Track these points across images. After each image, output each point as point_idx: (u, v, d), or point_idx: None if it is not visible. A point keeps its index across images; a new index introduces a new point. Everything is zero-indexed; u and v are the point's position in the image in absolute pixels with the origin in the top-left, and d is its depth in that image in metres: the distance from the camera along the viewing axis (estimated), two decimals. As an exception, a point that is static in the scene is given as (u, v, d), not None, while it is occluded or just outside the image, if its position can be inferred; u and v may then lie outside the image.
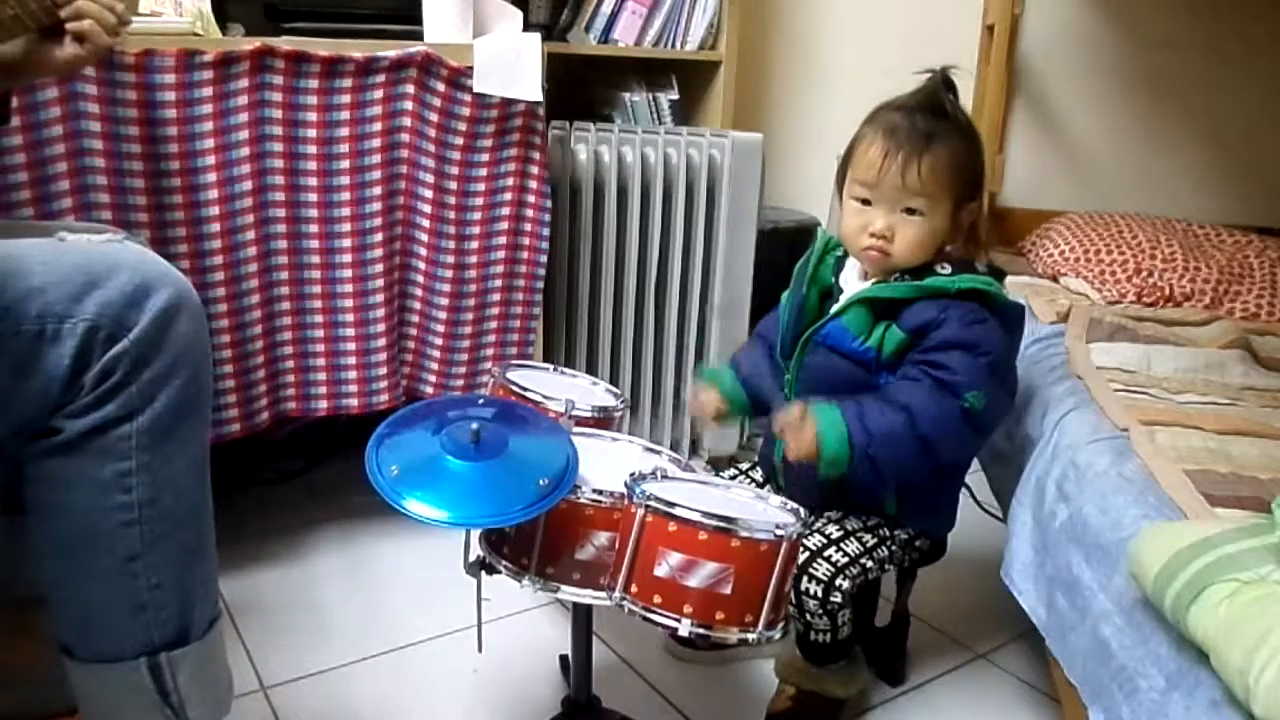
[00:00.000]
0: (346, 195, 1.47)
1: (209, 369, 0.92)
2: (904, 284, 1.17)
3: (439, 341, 1.63)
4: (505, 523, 0.97)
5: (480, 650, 1.16)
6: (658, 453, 1.16)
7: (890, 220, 1.16)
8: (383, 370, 1.56)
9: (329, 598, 1.53)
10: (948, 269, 1.18)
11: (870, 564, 1.21)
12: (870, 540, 1.22)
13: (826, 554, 1.18)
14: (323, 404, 1.55)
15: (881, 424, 1.11)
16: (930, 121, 1.16)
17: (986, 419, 1.16)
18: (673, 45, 1.99)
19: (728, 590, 0.95)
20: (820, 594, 1.16)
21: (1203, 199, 2.37)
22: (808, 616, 1.19)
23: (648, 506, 0.95)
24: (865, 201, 1.18)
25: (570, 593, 1.01)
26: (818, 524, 1.22)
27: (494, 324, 1.67)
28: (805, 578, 1.16)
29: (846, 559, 1.18)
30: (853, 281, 1.24)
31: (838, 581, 1.17)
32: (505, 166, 1.58)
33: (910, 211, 1.16)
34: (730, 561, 0.94)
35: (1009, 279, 1.98)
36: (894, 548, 1.24)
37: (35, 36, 0.92)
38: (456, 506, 0.92)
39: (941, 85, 1.19)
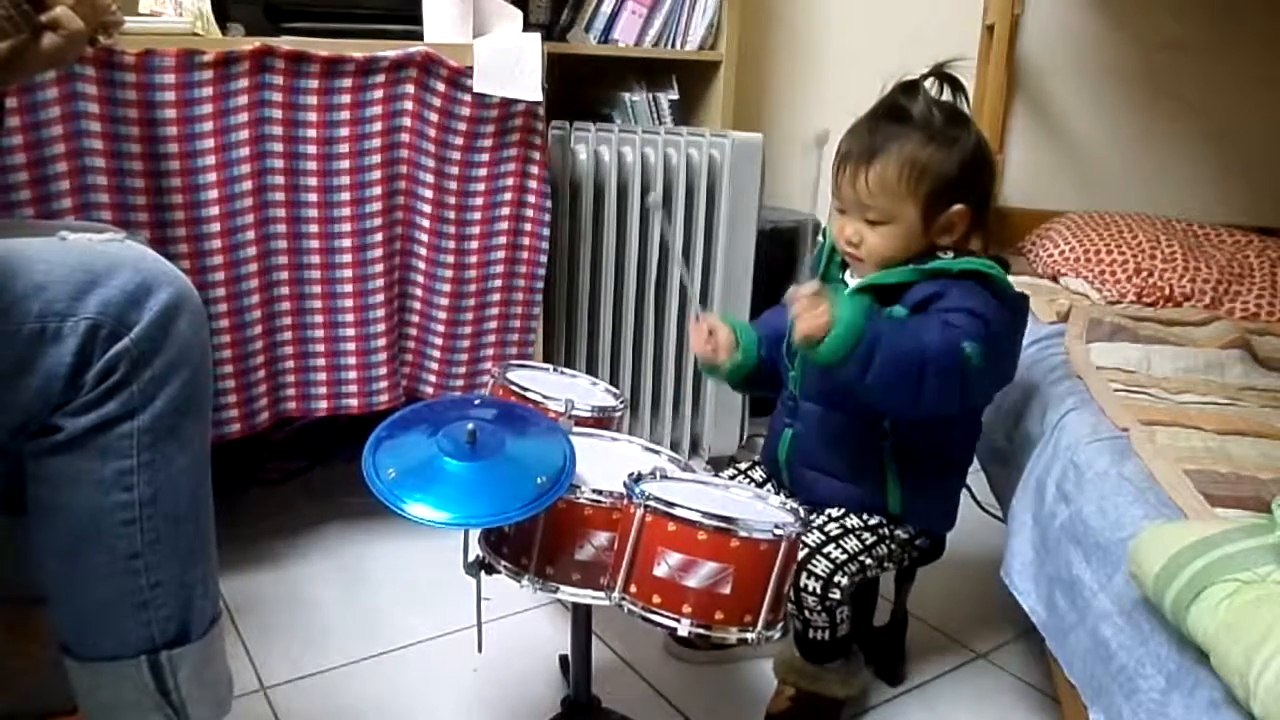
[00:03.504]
0: (346, 195, 1.47)
1: (209, 368, 0.92)
2: (905, 269, 1.17)
3: (439, 341, 1.63)
4: (504, 522, 0.97)
5: (480, 650, 1.16)
6: (657, 453, 1.16)
7: (857, 227, 1.19)
8: (383, 370, 1.56)
9: (329, 598, 1.53)
10: (949, 254, 1.18)
11: (870, 561, 1.21)
12: (870, 538, 1.22)
13: (826, 550, 1.18)
14: (323, 404, 1.56)
15: (893, 332, 1.08)
16: (882, 130, 1.16)
17: (977, 379, 1.12)
18: (673, 45, 1.99)
19: (727, 590, 0.95)
20: (819, 590, 1.16)
21: (1203, 199, 2.37)
22: (806, 613, 1.19)
23: (647, 506, 0.95)
24: (841, 210, 1.21)
25: (570, 593, 1.01)
26: (818, 520, 1.22)
27: (494, 324, 1.67)
28: (804, 574, 1.17)
29: (846, 555, 1.19)
30: (857, 279, 1.24)
31: (836, 578, 1.17)
32: (505, 166, 1.58)
33: (872, 221, 1.17)
34: (729, 561, 0.94)
35: (1009, 279, 1.99)
36: (894, 546, 1.24)
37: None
38: (454, 507, 0.92)
39: (901, 90, 1.19)
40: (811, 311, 1.07)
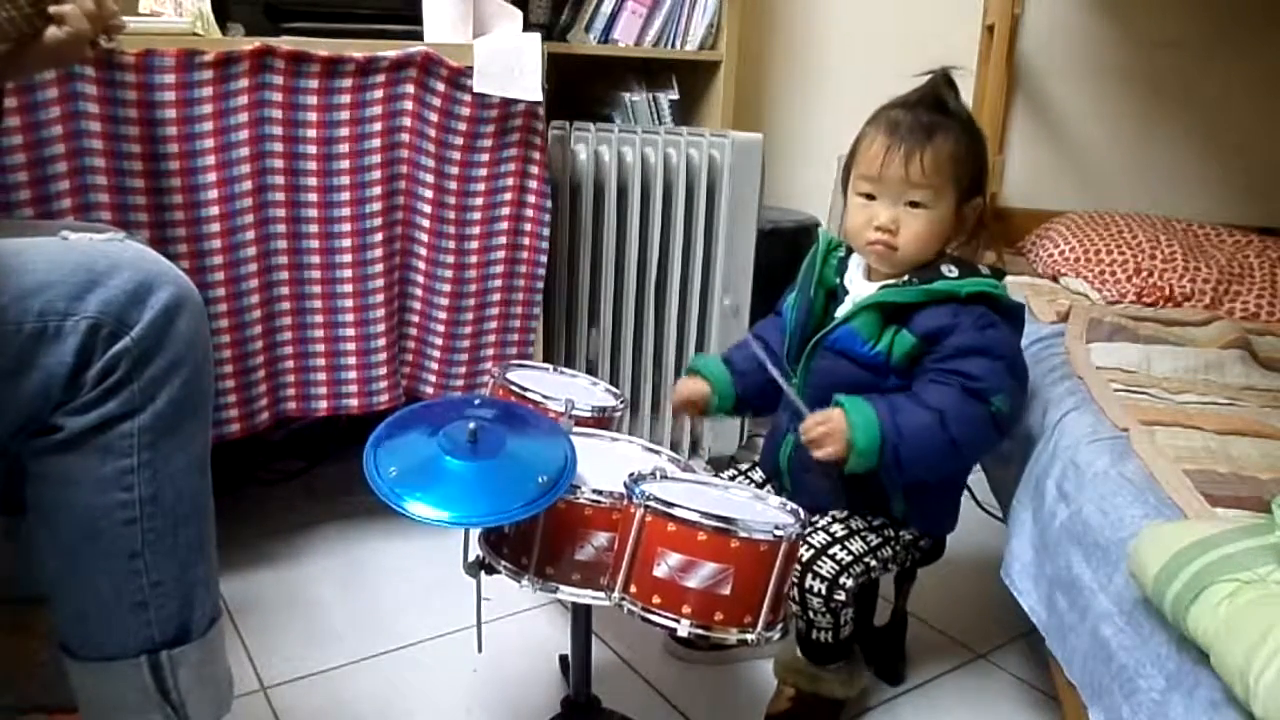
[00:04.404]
0: (346, 195, 1.47)
1: (210, 367, 0.92)
2: (913, 288, 1.17)
3: (439, 341, 1.63)
4: (504, 521, 0.97)
5: (480, 650, 1.16)
6: (657, 453, 1.16)
7: (894, 213, 1.17)
8: (383, 370, 1.56)
9: (329, 598, 1.53)
10: (954, 271, 1.18)
11: (874, 563, 1.21)
12: (875, 539, 1.22)
13: (831, 552, 1.18)
14: (323, 404, 1.56)
15: (913, 423, 1.12)
16: (932, 115, 1.17)
17: (1011, 419, 1.18)
18: (673, 45, 1.99)
19: (727, 591, 0.95)
20: (824, 592, 1.16)
21: (1203, 199, 2.37)
22: (811, 614, 1.19)
23: (647, 506, 0.95)
24: (870, 196, 1.19)
25: (569, 593, 1.01)
26: (822, 522, 1.22)
27: (494, 324, 1.67)
28: (810, 575, 1.16)
29: (851, 557, 1.19)
30: (858, 281, 1.24)
31: (842, 580, 1.17)
32: (505, 166, 1.58)
33: (914, 205, 1.17)
34: (729, 562, 0.94)
35: (1009, 279, 1.99)
36: (898, 547, 1.24)
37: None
38: (455, 506, 0.92)
39: (943, 83, 1.20)
40: (827, 432, 1.13)
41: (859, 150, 1.21)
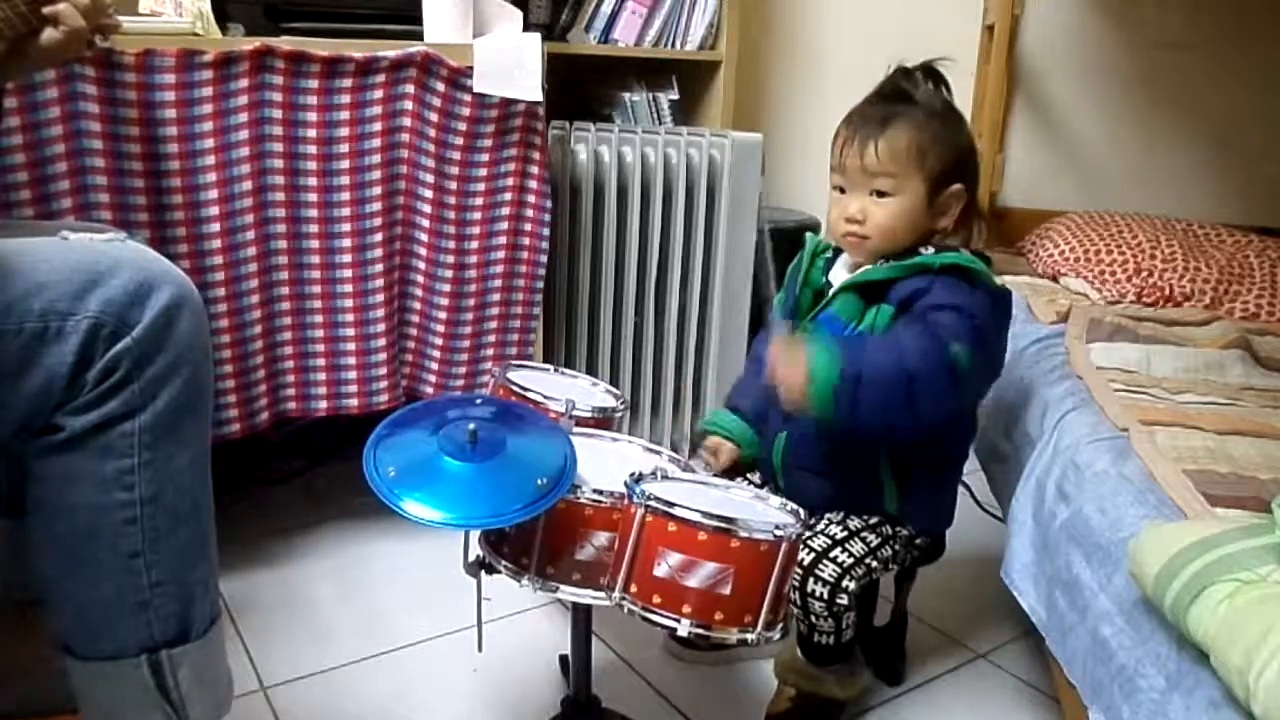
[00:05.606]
0: (346, 195, 1.47)
1: (210, 367, 0.92)
2: (888, 266, 1.18)
3: (439, 341, 1.63)
4: (503, 523, 0.97)
5: (480, 650, 1.16)
6: (658, 453, 1.16)
7: (861, 204, 1.19)
8: (383, 370, 1.56)
9: (329, 597, 1.53)
10: (930, 250, 1.19)
11: (875, 564, 1.21)
12: (874, 540, 1.22)
13: (832, 555, 1.18)
14: (323, 404, 1.56)
15: (870, 357, 1.09)
16: (889, 105, 1.19)
17: (968, 379, 1.13)
18: (673, 45, 1.99)
19: (727, 590, 0.95)
20: (826, 595, 1.16)
21: (1203, 199, 2.37)
22: (812, 618, 1.19)
23: (647, 506, 0.95)
24: (841, 190, 1.22)
25: (570, 593, 1.01)
26: (820, 525, 1.22)
27: (494, 324, 1.67)
28: (811, 579, 1.16)
29: (852, 559, 1.18)
30: (842, 278, 1.25)
31: (844, 583, 1.17)
32: (505, 167, 1.58)
33: (879, 194, 1.18)
34: (730, 562, 0.94)
35: (1009, 279, 2.00)
36: (897, 547, 1.24)
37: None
38: (454, 507, 0.92)
39: (901, 74, 1.22)
40: (786, 363, 1.09)
41: (831, 147, 1.23)
